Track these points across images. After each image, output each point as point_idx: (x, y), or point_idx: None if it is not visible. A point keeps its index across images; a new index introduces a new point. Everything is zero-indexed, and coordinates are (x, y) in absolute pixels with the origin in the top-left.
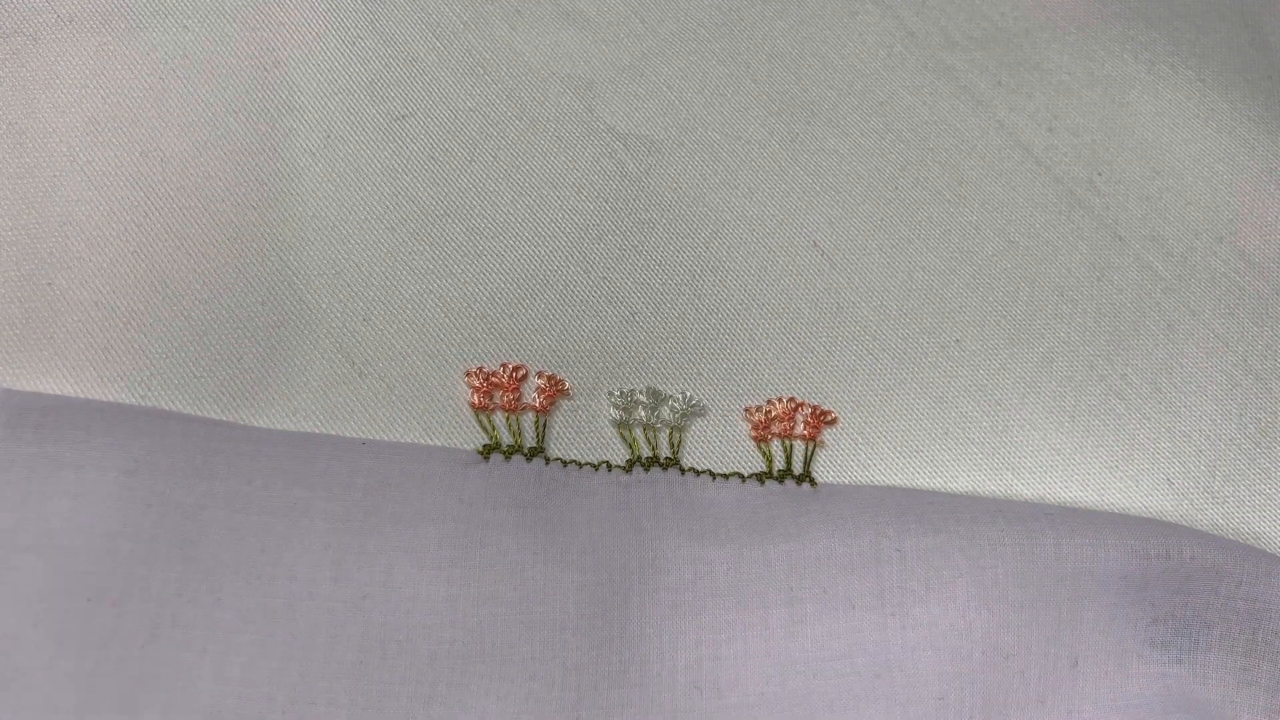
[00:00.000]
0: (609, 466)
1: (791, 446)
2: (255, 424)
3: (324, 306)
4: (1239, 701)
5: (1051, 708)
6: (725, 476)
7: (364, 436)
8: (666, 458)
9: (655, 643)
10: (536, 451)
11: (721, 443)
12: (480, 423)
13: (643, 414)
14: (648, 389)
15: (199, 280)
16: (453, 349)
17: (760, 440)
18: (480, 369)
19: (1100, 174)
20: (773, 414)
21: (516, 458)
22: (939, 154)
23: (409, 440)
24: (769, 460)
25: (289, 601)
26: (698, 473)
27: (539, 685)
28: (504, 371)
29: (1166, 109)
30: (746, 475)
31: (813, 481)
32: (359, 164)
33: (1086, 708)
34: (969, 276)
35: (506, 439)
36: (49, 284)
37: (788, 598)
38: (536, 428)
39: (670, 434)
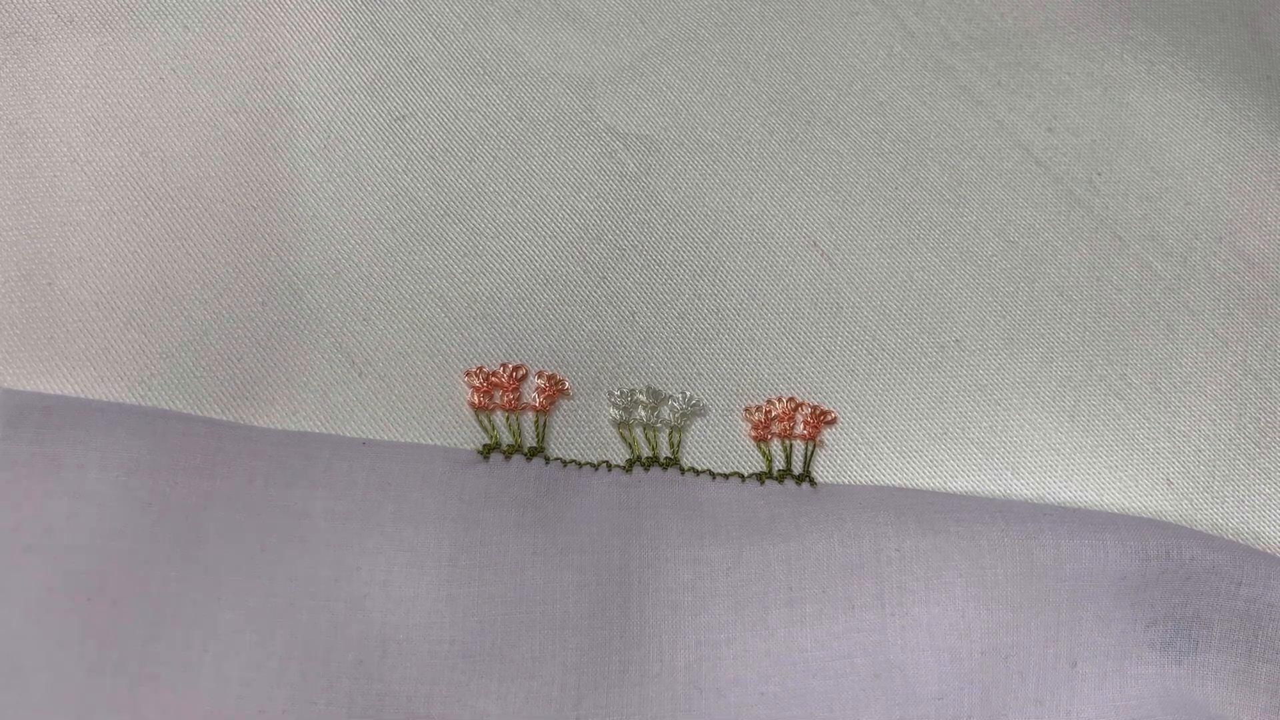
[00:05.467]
0: (609, 466)
1: (791, 446)
2: (255, 424)
3: (324, 306)
4: (1238, 703)
5: (1050, 709)
6: (725, 476)
7: (364, 436)
8: (666, 458)
9: (655, 643)
10: (536, 451)
11: (721, 443)
12: (480, 422)
13: (643, 414)
14: (648, 389)
15: (199, 280)
16: (453, 349)
17: (760, 440)
18: (480, 369)
19: (1100, 174)
20: (773, 414)
21: (516, 457)
22: (939, 154)
23: (409, 440)
24: (769, 460)
25: (289, 601)
26: (698, 472)
27: (539, 685)
28: (504, 371)
29: (1166, 109)
30: (746, 475)
31: (812, 481)
32: (359, 164)
33: (1085, 709)
34: (969, 276)
35: (506, 439)
36: (49, 284)
37: (787, 598)
38: (536, 428)
39: (670, 434)
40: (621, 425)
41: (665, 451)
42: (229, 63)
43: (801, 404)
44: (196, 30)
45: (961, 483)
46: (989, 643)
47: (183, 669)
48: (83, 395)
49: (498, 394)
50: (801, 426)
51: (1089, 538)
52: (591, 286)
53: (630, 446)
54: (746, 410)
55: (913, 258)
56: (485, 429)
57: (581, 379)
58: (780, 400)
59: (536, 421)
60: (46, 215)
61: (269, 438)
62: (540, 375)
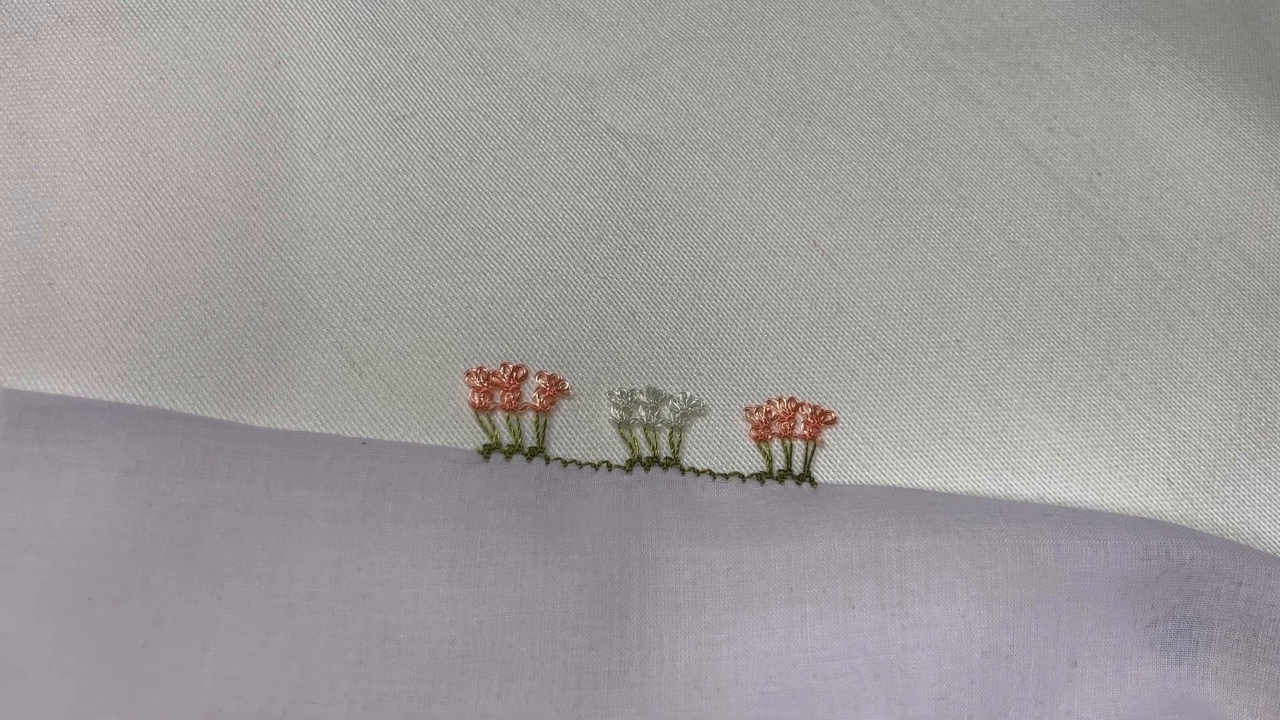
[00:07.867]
0: (609, 466)
1: (791, 446)
2: (255, 424)
3: (324, 306)
4: (1238, 703)
5: (1050, 708)
6: (725, 476)
7: (364, 436)
8: (666, 458)
9: (655, 643)
10: (536, 451)
11: (721, 443)
12: (480, 422)
13: (643, 414)
14: (648, 389)
15: (199, 280)
16: (453, 349)
17: (760, 440)
18: (480, 369)
19: (1100, 174)
20: (773, 414)
21: (516, 458)
22: (939, 154)
23: (409, 440)
24: (769, 460)
25: (289, 601)
26: (698, 472)
27: (539, 685)
28: (504, 371)
29: (1166, 109)
30: (746, 475)
31: (813, 481)
32: (359, 164)
33: (1085, 708)
34: (969, 276)
35: (506, 439)
36: (49, 284)
37: (788, 598)
38: (536, 428)
39: (670, 434)
40: (621, 425)
41: (665, 451)
42: (229, 63)
43: (801, 404)
44: (196, 30)
45: (961, 483)
46: (989, 643)
47: (183, 669)
48: (83, 395)
49: (498, 394)
50: (801, 426)
51: (1089, 538)
52: (591, 286)
53: (630, 446)
54: (746, 410)
55: (913, 258)
56: (485, 429)
57: (581, 379)
58: (780, 400)
59: (536, 421)
60: (46, 215)
61: (269, 438)
62: (540, 375)
